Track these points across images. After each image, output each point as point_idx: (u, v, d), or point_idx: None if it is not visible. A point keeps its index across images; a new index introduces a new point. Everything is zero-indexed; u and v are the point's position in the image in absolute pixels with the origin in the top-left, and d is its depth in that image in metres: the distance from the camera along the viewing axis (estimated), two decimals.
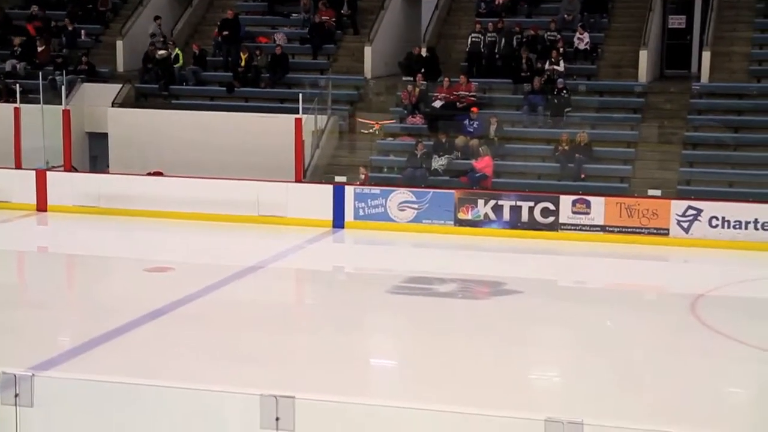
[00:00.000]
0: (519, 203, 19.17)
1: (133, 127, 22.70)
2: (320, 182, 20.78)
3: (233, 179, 20.40)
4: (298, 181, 20.69)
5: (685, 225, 18.40)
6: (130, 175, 21.19)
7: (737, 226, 18.15)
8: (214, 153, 21.81)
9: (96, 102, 23.44)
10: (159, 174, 21.63)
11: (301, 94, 21.07)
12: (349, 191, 19.85)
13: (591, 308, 14.32)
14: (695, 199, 18.69)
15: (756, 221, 18.08)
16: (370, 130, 21.02)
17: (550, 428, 5.73)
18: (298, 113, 20.86)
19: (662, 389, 10.35)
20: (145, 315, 12.86)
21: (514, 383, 10.59)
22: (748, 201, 18.61)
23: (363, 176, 20.46)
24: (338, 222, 19.84)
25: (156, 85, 24.00)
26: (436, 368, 11.02)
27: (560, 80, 21.85)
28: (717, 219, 18.26)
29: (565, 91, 21.74)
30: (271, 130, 21.67)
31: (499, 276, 16.06)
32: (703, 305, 14.07)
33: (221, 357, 11.25)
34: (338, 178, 20.53)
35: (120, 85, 23.81)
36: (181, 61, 24.10)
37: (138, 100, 23.99)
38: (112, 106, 23.28)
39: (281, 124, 21.45)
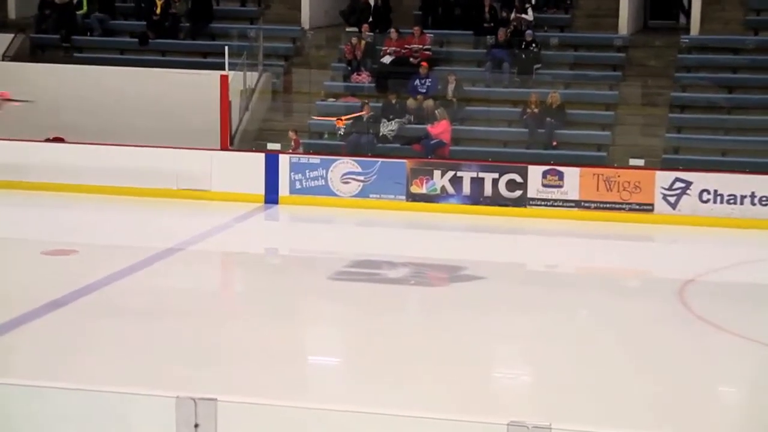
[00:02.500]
0: (481, 175, 19.24)
1: (28, 84, 22.35)
2: (250, 150, 20.70)
3: (147, 146, 20.23)
4: (223, 148, 20.59)
5: (672, 200, 18.60)
6: (25, 141, 20.90)
7: (731, 201, 18.38)
8: (124, 116, 21.63)
9: None
10: (59, 140, 21.40)
11: (227, 47, 20.90)
12: (284, 161, 19.80)
13: (563, 296, 14.43)
14: (683, 169, 18.89)
15: (753, 195, 18.33)
16: (337, 131, 20.88)
17: None
18: (223, 69, 20.70)
19: (643, 388, 10.45)
20: (43, 306, 12.73)
21: (474, 382, 10.64)
22: (744, 172, 18.85)
23: (293, 142, 20.42)
24: (271, 197, 19.79)
25: (56, 35, 23.68)
26: (384, 366, 11.04)
27: (528, 32, 21.92)
28: (708, 193, 18.48)
29: (534, 45, 21.82)
30: (192, 89, 21.52)
31: (458, 259, 16.11)
32: (692, 292, 14.23)
33: (132, 354, 11.17)
34: (271, 146, 20.47)
35: (12, 35, 23.49)
36: (85, 7, 23.80)
37: (34, 52, 23.69)
38: (2, 60, 22.94)
39: (204, 81, 21.31)
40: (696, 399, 10.33)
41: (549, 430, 5.63)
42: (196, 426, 5.87)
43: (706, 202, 18.48)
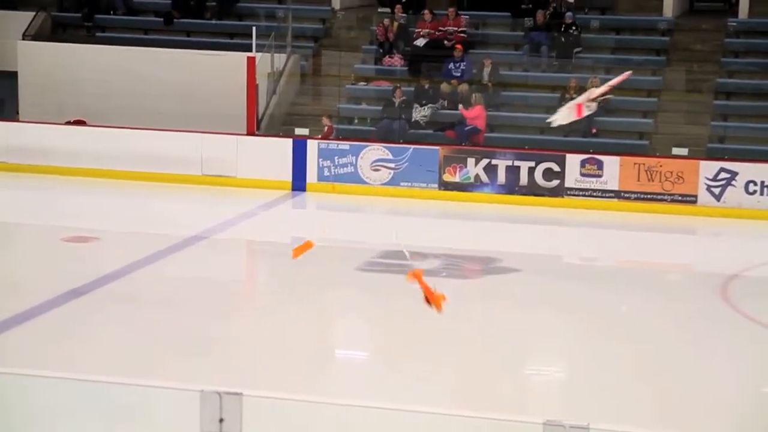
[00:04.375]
0: (517, 163, 19.22)
1: (48, 65, 22.51)
2: (277, 135, 20.73)
3: (171, 131, 20.33)
4: (250, 133, 20.64)
5: (717, 191, 18.51)
6: (45, 124, 21.04)
7: None
8: (147, 99, 21.71)
9: (2, 34, 23.22)
10: (81, 123, 21.52)
11: (254, 28, 20.95)
12: (312, 146, 19.84)
13: (601, 290, 14.39)
14: (729, 159, 18.79)
15: None
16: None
17: None
18: (251, 51, 20.74)
19: (683, 388, 10.42)
20: (62, 294, 12.80)
21: (509, 379, 10.64)
22: None
23: (326, 128, 20.44)
24: (298, 184, 19.83)
25: (77, 14, 23.78)
26: (414, 361, 11.05)
27: (569, 14, 21.85)
28: (755, 184, 18.39)
29: (574, 28, 21.74)
30: (218, 71, 21.60)
31: (492, 251, 16.09)
32: (736, 288, 14.17)
33: (153, 345, 11.23)
34: (299, 131, 20.51)
35: (33, 13, 23.58)
36: None
37: (55, 31, 23.79)
38: (23, 39, 23.05)
39: (230, 63, 21.37)
40: (735, 401, 10.29)
41: (587, 430, 5.62)
42: (221, 421, 5.90)
43: (753, 193, 18.39)
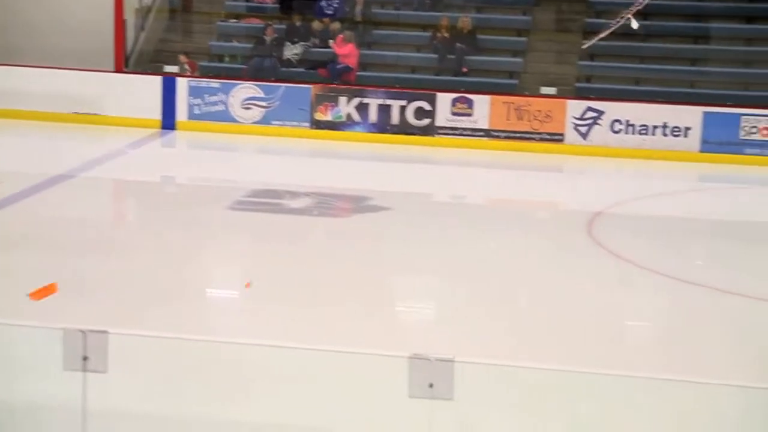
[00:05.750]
0: (388, 102, 19.28)
1: None
2: (146, 73, 20.43)
3: (36, 67, 19.86)
4: (118, 71, 20.29)
5: (584, 130, 18.86)
6: None
7: (643, 132, 18.71)
8: (10, 34, 21.15)
9: None
10: None
11: None
12: (182, 84, 19.62)
13: (471, 228, 14.57)
14: (596, 99, 19.12)
15: (665, 126, 18.66)
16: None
17: (416, 366, 5.83)
18: None
19: (547, 320, 10.64)
20: None
21: (377, 315, 10.73)
22: (657, 101, 19.15)
23: (187, 66, 20.20)
24: (168, 122, 19.62)
25: None
26: (285, 299, 11.07)
27: None
28: (620, 123, 18.78)
29: None
30: (82, 6, 21.10)
31: (363, 189, 16.16)
32: (601, 224, 14.49)
33: (15, 285, 11.04)
34: (168, 68, 20.23)
35: None
36: None
37: None
38: None
39: None
40: (601, 333, 10.55)
41: (452, 363, 5.70)
42: (85, 359, 5.84)
43: (618, 132, 18.78)
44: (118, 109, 19.70)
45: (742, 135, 18.71)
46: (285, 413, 6.03)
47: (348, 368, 6.09)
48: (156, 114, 19.65)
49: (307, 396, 5.95)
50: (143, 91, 19.78)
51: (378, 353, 6.22)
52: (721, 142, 18.72)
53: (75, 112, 19.61)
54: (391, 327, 10.61)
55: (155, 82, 19.80)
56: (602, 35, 11.14)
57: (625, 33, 20.86)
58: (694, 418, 5.54)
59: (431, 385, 5.66)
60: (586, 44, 10.51)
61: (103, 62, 20.22)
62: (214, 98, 19.58)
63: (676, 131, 18.63)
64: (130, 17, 20.79)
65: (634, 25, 11.60)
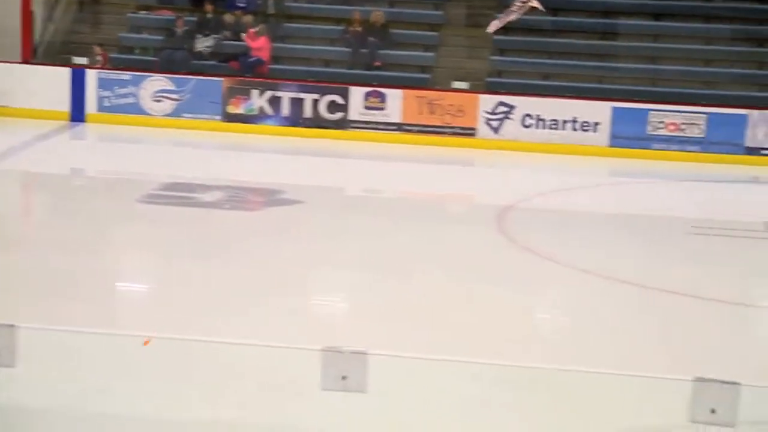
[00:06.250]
0: (301, 95, 19.27)
1: None
2: (54, 64, 20.15)
3: None
4: (25, 61, 20.00)
5: (495, 124, 19.03)
6: None
7: (554, 126, 18.93)
8: None
9: None
10: None
11: None
12: (92, 76, 19.40)
13: (383, 221, 14.62)
14: (507, 93, 19.30)
15: (575, 120, 18.91)
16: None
17: (329, 359, 5.85)
18: None
19: (457, 314, 10.72)
20: None
21: (289, 309, 10.72)
22: (566, 96, 19.38)
23: (100, 57, 20.00)
24: (77, 114, 19.40)
25: None
26: (194, 294, 11.01)
27: None
28: (531, 117, 18.98)
29: None
30: None
31: (275, 183, 16.13)
32: (511, 218, 14.63)
33: None
34: (77, 60, 19.98)
35: None
36: None
37: None
38: None
39: None
40: (510, 326, 10.66)
41: (365, 356, 5.74)
42: None
43: (529, 126, 18.98)
44: (25, 101, 19.42)
45: (649, 130, 19.02)
46: (196, 406, 6.03)
47: (261, 361, 6.10)
48: (65, 106, 19.42)
49: (219, 388, 5.95)
50: (51, 82, 19.53)
51: (291, 346, 6.24)
52: (629, 137, 19.02)
53: None
54: (303, 320, 10.62)
55: (64, 73, 19.56)
56: (509, 18, 11.29)
57: (535, 29, 21.17)
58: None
59: (344, 378, 5.69)
60: (491, 28, 10.67)
61: (11, 54, 19.93)
62: (124, 90, 19.40)
63: (585, 126, 18.89)
64: (37, 8, 20.51)
65: (537, 4, 11.77)
